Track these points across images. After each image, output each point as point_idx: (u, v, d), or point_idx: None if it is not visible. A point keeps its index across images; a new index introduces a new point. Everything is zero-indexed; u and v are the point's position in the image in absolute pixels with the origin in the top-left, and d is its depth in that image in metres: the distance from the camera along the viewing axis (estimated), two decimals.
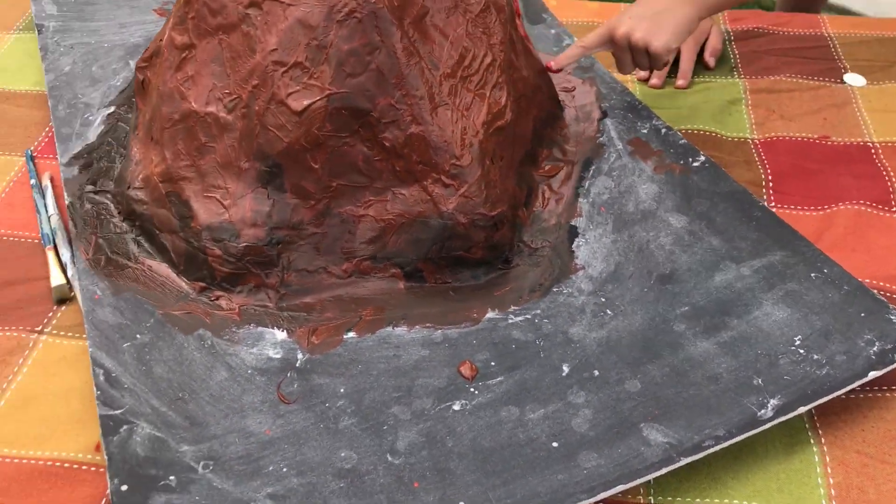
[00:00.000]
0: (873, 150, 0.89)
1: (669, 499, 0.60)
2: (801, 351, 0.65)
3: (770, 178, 0.86)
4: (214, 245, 0.71)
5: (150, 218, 0.74)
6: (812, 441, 0.63)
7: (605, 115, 0.89)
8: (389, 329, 0.69)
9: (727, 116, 0.94)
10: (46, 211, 0.79)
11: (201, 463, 0.58)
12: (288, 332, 0.68)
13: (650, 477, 0.58)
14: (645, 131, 0.87)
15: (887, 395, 0.66)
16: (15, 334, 0.70)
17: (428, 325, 0.69)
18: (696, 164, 0.83)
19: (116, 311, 0.68)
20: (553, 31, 1.02)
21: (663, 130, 0.87)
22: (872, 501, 0.59)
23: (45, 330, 0.70)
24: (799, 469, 0.61)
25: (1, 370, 0.67)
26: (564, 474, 0.58)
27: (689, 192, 0.80)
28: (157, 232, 0.74)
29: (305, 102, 0.70)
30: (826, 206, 0.82)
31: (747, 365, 0.64)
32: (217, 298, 0.71)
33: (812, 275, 0.71)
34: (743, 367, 0.64)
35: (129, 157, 0.78)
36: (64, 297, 0.72)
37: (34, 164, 0.85)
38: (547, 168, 0.84)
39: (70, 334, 0.70)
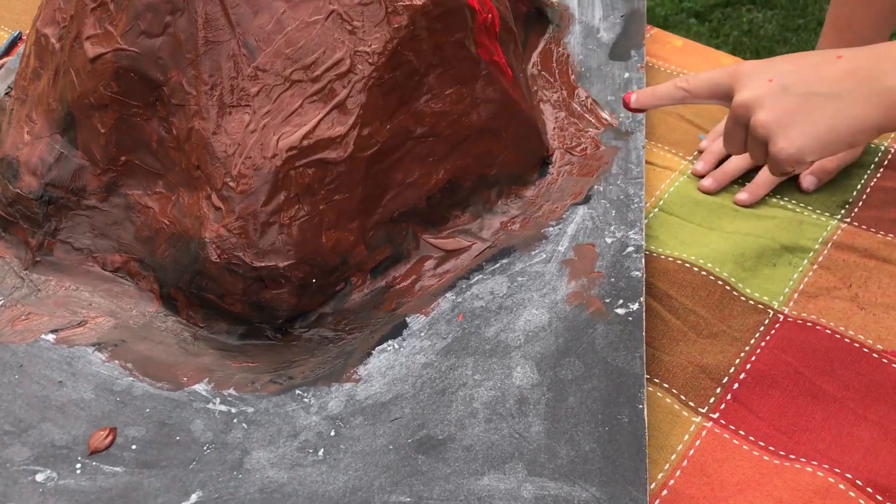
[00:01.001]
0: None
1: None
2: None
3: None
4: (1, 181, 0.62)
5: None
6: None
7: (585, 200, 0.63)
8: (87, 350, 0.56)
9: (767, 269, 0.61)
10: None
11: None
12: (3, 304, 0.59)
13: None
14: (609, 240, 0.59)
15: None
16: None
17: (128, 365, 0.55)
18: (620, 310, 0.54)
19: None
20: (626, 76, 0.73)
21: (630, 249, 0.58)
22: None
23: None
24: None
25: None
26: None
27: (569, 345, 0.53)
28: None
29: (98, 51, 0.57)
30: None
31: None
32: None
33: None
34: None
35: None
36: None
37: None
38: (444, 239, 0.61)
39: None
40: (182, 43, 0.54)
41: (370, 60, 0.54)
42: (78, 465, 0.49)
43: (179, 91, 0.55)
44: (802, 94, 0.50)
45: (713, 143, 0.69)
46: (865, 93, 0.48)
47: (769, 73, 0.51)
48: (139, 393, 0.53)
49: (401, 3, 0.55)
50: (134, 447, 0.50)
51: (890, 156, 0.69)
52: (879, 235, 0.62)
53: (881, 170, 0.68)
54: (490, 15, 0.61)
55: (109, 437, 0.51)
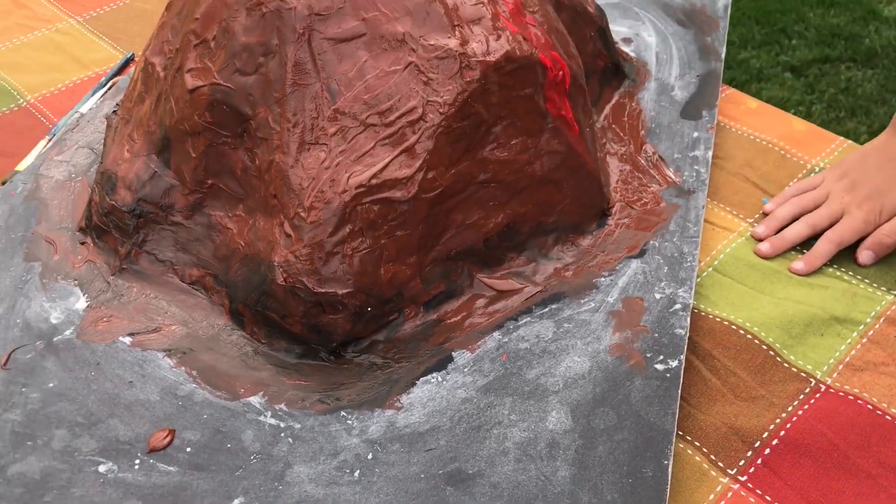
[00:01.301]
0: None
1: None
2: None
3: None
4: (98, 191, 0.68)
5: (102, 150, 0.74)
6: None
7: (640, 254, 0.65)
8: (158, 355, 0.61)
9: (814, 337, 0.61)
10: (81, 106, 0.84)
11: None
12: (89, 305, 0.64)
13: None
14: (658, 296, 0.61)
15: None
16: None
17: (193, 372, 0.59)
18: (659, 365, 0.56)
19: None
20: (696, 135, 0.75)
21: (678, 307, 0.60)
22: None
23: None
24: None
25: None
26: None
27: (606, 396, 0.55)
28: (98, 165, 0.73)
29: (196, 83, 0.62)
30: None
31: None
32: (83, 242, 0.69)
33: None
34: None
35: None
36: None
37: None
38: (498, 279, 0.64)
39: None
40: (271, 83, 0.59)
41: (441, 110, 0.58)
42: (137, 461, 0.54)
43: (265, 126, 0.59)
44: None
45: (778, 209, 0.70)
46: None
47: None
48: (199, 399, 0.57)
49: (475, 59, 0.58)
50: (189, 449, 0.54)
51: None
52: None
53: None
54: (561, 72, 0.64)
55: (168, 438, 0.55)
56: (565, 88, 0.64)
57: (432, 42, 0.58)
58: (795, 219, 0.69)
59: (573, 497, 0.50)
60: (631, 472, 0.51)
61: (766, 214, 0.71)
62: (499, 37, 0.59)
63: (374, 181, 0.58)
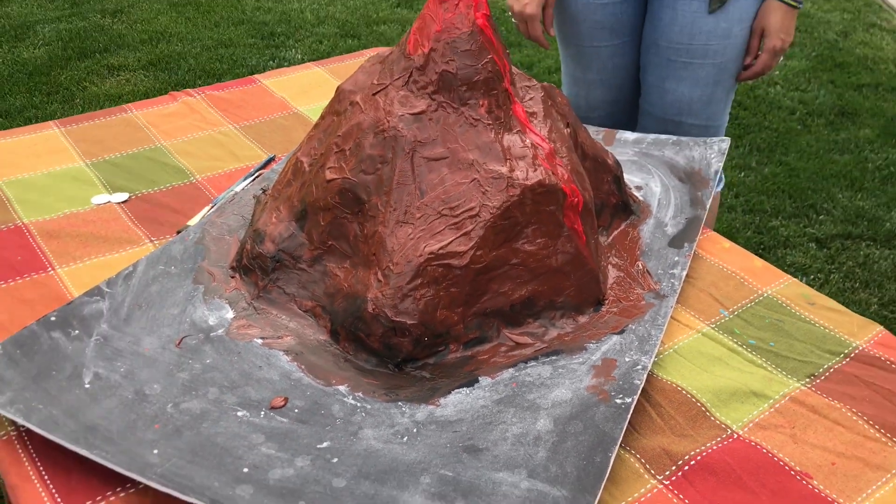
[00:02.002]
0: None
1: None
2: None
3: None
4: (250, 243, 0.99)
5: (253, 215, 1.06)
6: None
7: (620, 332, 0.91)
8: (279, 353, 0.89)
9: (736, 403, 0.86)
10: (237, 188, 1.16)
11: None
12: (235, 316, 0.93)
13: None
14: (627, 359, 0.88)
15: None
16: None
17: (302, 366, 0.87)
18: (618, 399, 0.82)
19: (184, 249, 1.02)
20: (675, 259, 1.03)
21: (639, 367, 0.86)
22: None
23: None
24: None
25: None
26: None
27: (579, 413, 0.81)
28: (249, 226, 1.04)
29: (332, 177, 0.93)
30: None
31: None
32: (233, 276, 0.99)
33: None
34: None
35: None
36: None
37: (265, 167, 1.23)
38: (517, 335, 0.91)
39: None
40: (383, 181, 0.90)
41: (490, 212, 0.88)
42: (262, 412, 0.81)
43: (374, 208, 0.90)
44: None
45: None
46: None
47: None
48: (305, 383, 0.85)
49: (517, 181, 0.88)
50: (296, 410, 0.82)
51: (857, 351, 0.93)
52: (826, 400, 0.87)
53: (847, 360, 0.92)
54: (577, 199, 0.93)
55: (283, 402, 0.83)
56: (579, 210, 0.93)
57: (491, 167, 0.89)
58: None
59: (545, 467, 0.75)
60: (586, 458, 0.76)
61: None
62: (535, 169, 0.90)
63: (440, 251, 0.87)
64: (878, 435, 0.83)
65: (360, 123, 0.93)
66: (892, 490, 0.78)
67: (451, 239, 0.87)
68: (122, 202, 1.14)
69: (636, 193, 1.15)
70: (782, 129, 3.00)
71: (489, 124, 0.92)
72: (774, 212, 2.57)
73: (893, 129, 3.01)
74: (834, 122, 3.07)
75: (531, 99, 0.98)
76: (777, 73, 3.39)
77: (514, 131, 0.93)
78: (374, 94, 0.94)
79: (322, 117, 1.02)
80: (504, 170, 0.89)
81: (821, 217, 2.55)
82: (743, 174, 2.74)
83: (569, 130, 1.01)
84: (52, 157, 1.23)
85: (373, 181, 0.91)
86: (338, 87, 1.00)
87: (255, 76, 1.49)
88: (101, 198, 1.14)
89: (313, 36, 3.58)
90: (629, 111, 1.66)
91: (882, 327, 0.96)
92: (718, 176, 1.18)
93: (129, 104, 1.38)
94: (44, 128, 1.30)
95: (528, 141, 0.92)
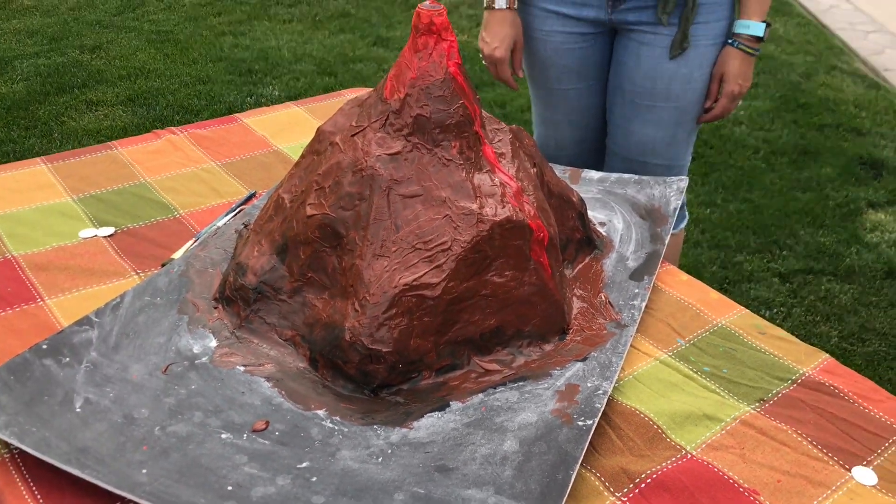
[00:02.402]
0: None
1: None
2: None
3: None
4: (233, 275, 1.04)
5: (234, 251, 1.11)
6: None
7: (583, 360, 0.97)
8: (261, 379, 0.94)
9: (690, 426, 0.92)
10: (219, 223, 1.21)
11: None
12: (218, 345, 0.98)
13: None
14: (589, 384, 0.93)
15: None
16: None
17: (283, 392, 0.92)
18: (580, 422, 0.88)
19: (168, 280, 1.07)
20: (636, 290, 1.10)
21: (600, 392, 0.92)
22: None
23: None
24: None
25: None
26: None
27: (543, 435, 0.86)
28: (231, 259, 1.09)
29: (312, 212, 0.99)
30: None
31: None
32: (216, 307, 1.04)
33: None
34: None
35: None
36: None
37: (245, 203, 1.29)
38: (487, 363, 0.97)
39: None
40: (360, 217, 0.95)
41: (461, 245, 0.94)
42: (245, 435, 0.86)
43: (351, 242, 0.95)
44: None
45: None
46: None
47: None
48: (286, 408, 0.90)
49: (487, 218, 0.95)
50: (276, 433, 0.87)
51: (804, 378, 1.00)
52: (774, 422, 0.93)
53: (794, 385, 0.99)
54: (542, 234, 1.00)
55: (265, 425, 0.87)
56: (545, 244, 1.00)
57: (462, 204, 0.95)
58: None
59: (510, 485, 0.81)
60: (549, 475, 0.81)
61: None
62: (504, 206, 0.96)
63: (414, 282, 0.92)
64: (820, 455, 0.89)
65: (339, 162, 0.99)
66: None
67: (424, 271, 0.93)
68: (109, 236, 1.19)
69: (600, 229, 1.21)
70: (747, 167, 3.11)
71: (461, 164, 0.98)
72: (739, 247, 2.66)
73: (853, 168, 3.13)
74: (797, 160, 3.19)
75: (500, 140, 1.05)
76: (742, 112, 3.51)
77: (484, 171, 0.99)
78: (352, 136, 1.00)
79: (303, 156, 1.08)
80: (474, 206, 0.95)
81: (784, 252, 2.64)
82: (709, 210, 2.83)
83: (535, 170, 1.07)
84: (40, 192, 1.28)
85: (351, 217, 0.96)
86: (318, 129, 1.06)
87: (236, 115, 1.55)
88: (88, 231, 1.19)
89: (290, 73, 3.66)
90: (597, 150, 1.74)
91: (827, 355, 1.03)
92: (678, 213, 1.25)
93: (114, 141, 1.43)
94: (31, 164, 1.35)
95: (496, 180, 0.99)
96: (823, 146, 3.29)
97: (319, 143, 1.05)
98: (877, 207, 2.91)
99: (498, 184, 0.98)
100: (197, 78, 3.56)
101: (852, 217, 2.84)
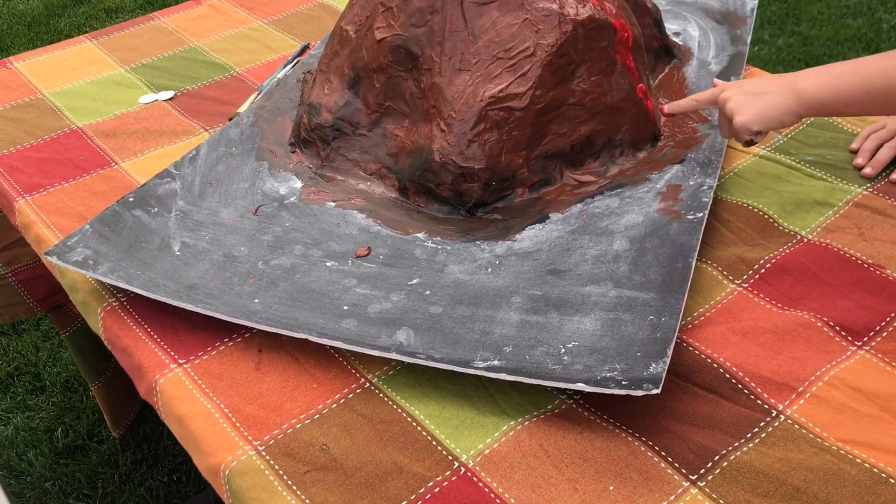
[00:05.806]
0: None
1: None
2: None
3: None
4: (306, 117, 1.00)
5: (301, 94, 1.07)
6: None
7: (680, 162, 0.93)
8: (353, 212, 0.91)
9: (801, 213, 0.88)
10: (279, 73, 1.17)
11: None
12: (304, 186, 0.96)
13: None
14: (691, 183, 0.89)
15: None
16: None
17: (378, 221, 0.90)
18: (690, 216, 0.84)
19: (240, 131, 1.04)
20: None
21: (705, 187, 0.88)
22: None
23: None
24: None
25: None
26: None
27: (653, 232, 0.83)
28: (300, 105, 1.06)
29: (382, 36, 0.94)
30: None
31: None
32: (293, 152, 1.01)
33: (650, 317, 0.73)
34: None
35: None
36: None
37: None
38: (580, 175, 0.93)
39: None
40: (434, 32, 0.91)
41: (545, 50, 0.89)
42: (349, 262, 0.84)
43: (429, 61, 0.91)
44: (755, 93, 0.81)
45: (864, 144, 0.96)
46: (787, 91, 0.78)
47: (740, 83, 0.83)
48: (384, 234, 0.88)
49: (569, 17, 0.89)
50: (381, 257, 0.85)
51: None
52: (889, 201, 0.89)
53: None
54: (627, 34, 0.94)
55: (367, 251, 0.85)
56: (629, 46, 0.94)
57: (541, 5, 0.89)
58: (878, 148, 0.94)
59: (630, 278, 0.78)
60: (667, 265, 0.79)
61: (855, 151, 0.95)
62: (585, 5, 0.90)
63: (500, 94, 0.88)
64: None
65: None
66: None
67: (509, 81, 0.89)
68: (169, 99, 1.15)
69: (675, 39, 1.15)
70: None
71: None
72: None
73: None
74: None
75: None
76: None
77: None
78: None
79: None
80: (555, 6, 0.89)
81: None
82: (756, 48, 2.72)
83: None
84: (92, 66, 1.24)
85: (424, 33, 0.91)
86: None
87: None
88: (147, 97, 1.16)
89: None
90: None
91: None
92: (755, 13, 1.18)
93: (156, 12, 1.38)
94: (76, 42, 1.31)
95: None
96: None
97: None
98: None
99: None
100: None
101: None
